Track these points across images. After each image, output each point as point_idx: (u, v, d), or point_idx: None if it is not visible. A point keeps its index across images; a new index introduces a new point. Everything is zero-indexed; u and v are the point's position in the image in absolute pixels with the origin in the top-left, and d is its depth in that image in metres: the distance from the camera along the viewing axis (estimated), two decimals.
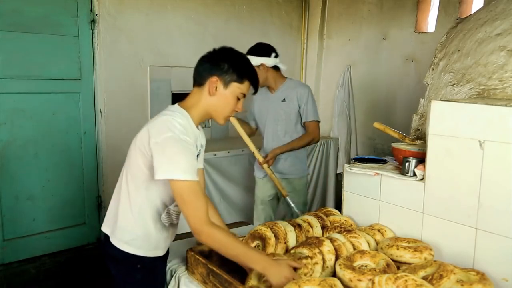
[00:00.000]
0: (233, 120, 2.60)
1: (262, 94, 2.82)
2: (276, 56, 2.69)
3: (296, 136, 2.72)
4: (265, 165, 2.62)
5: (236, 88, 1.47)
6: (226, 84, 1.46)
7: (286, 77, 2.80)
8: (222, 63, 1.45)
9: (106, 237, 1.55)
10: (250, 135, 2.87)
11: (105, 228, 1.57)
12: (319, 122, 2.75)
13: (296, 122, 2.73)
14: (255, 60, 2.64)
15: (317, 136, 2.73)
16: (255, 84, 1.52)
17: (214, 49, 1.51)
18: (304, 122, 2.72)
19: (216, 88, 1.45)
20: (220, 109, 1.49)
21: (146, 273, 1.53)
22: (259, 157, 2.62)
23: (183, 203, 1.35)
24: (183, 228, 1.58)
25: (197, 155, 1.53)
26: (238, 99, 1.50)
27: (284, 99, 2.72)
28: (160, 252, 1.56)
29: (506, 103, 1.41)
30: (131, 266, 1.51)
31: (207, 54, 1.50)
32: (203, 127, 1.63)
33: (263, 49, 2.68)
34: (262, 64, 2.65)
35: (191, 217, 1.34)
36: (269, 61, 2.66)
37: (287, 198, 2.63)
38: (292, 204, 2.62)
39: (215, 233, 1.34)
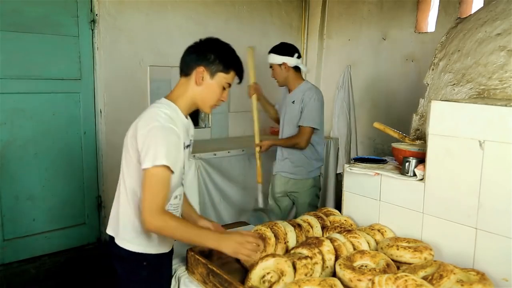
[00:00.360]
0: (253, 98, 2.72)
1: (284, 93, 2.89)
2: (299, 57, 2.72)
3: None
4: (256, 148, 2.71)
5: (222, 78, 1.50)
6: (212, 74, 1.49)
7: (304, 80, 2.82)
8: (208, 53, 1.48)
9: (111, 238, 1.56)
10: (276, 120, 3.00)
11: (109, 230, 1.58)
12: (314, 129, 2.67)
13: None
14: (277, 59, 2.68)
15: (302, 142, 2.65)
16: (240, 74, 1.56)
17: (200, 40, 1.53)
18: (299, 126, 2.69)
19: (203, 78, 1.49)
20: (207, 98, 1.52)
21: (152, 271, 1.54)
22: (256, 139, 2.72)
23: (148, 187, 1.35)
24: None
25: (188, 146, 1.56)
26: (224, 88, 1.53)
27: (294, 101, 2.73)
28: (164, 249, 1.57)
29: (506, 103, 1.41)
30: (136, 264, 1.52)
31: (193, 44, 1.53)
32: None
33: (286, 49, 2.71)
34: (284, 63, 2.68)
35: (148, 202, 1.35)
36: (291, 61, 2.68)
37: (259, 185, 2.74)
38: (259, 193, 2.74)
39: (166, 219, 1.36)
